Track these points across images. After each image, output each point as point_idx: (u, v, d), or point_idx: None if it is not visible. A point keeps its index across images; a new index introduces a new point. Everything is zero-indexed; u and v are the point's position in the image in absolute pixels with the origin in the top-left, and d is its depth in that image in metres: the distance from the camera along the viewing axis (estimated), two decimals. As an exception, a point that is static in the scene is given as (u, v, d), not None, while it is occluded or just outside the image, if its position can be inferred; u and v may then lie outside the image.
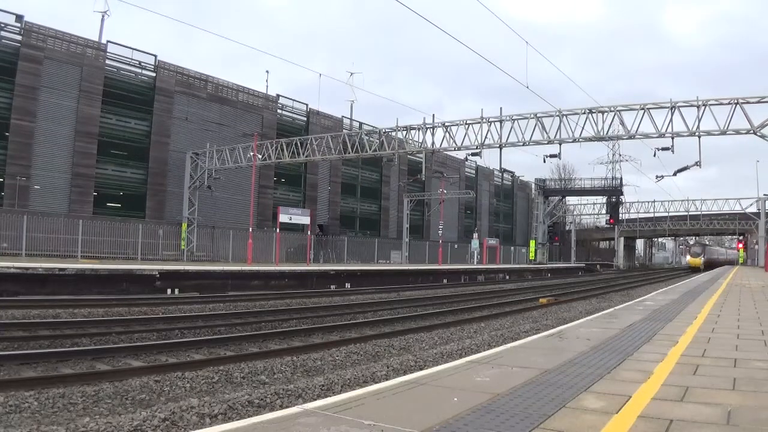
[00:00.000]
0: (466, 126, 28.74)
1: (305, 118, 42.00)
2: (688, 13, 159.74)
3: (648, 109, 24.58)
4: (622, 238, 75.23)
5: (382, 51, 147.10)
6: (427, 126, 30.15)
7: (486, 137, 28.02)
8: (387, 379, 5.76)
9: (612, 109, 25.35)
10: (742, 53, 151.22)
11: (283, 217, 29.42)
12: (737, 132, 23.22)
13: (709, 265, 65.30)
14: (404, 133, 31.71)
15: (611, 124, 25.36)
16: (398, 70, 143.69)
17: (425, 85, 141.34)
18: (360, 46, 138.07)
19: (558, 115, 26.27)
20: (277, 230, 30.51)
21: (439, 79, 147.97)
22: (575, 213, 70.25)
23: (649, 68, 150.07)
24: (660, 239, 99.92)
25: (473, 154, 31.67)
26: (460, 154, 41.01)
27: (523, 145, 27.52)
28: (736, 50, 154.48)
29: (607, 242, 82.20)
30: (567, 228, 68.04)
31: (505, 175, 66.65)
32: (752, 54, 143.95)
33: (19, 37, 27.51)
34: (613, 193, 59.65)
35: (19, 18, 27.59)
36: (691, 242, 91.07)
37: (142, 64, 32.65)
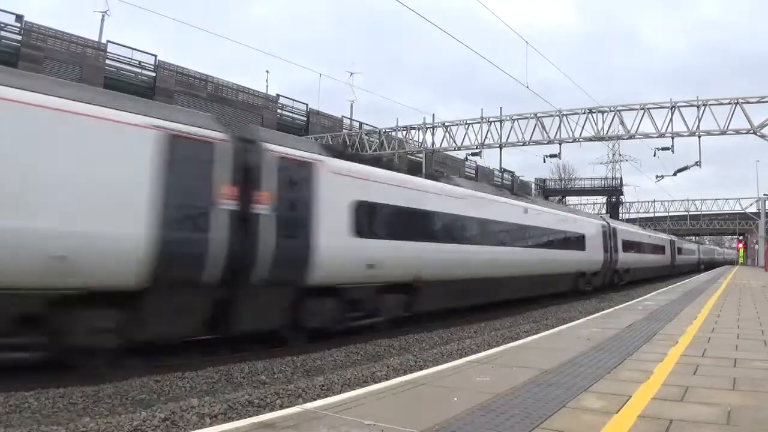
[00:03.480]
0: (466, 126, 28.77)
1: (305, 118, 41.95)
2: (664, 21, 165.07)
3: (648, 109, 24.59)
4: (622, 238, 75.05)
5: (371, 57, 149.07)
6: (427, 126, 30.19)
7: (486, 137, 28.05)
8: (387, 379, 5.76)
9: (612, 109, 25.36)
10: (716, 58, 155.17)
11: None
12: (737, 132, 23.23)
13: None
14: (404, 132, 31.75)
15: (611, 124, 25.40)
16: (388, 74, 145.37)
17: (417, 90, 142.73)
18: (349, 53, 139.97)
19: (558, 115, 26.28)
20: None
21: (429, 84, 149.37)
22: (575, 213, 70.21)
23: (629, 73, 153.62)
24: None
25: (473, 154, 31.72)
26: (460, 154, 41.05)
27: (523, 145, 27.53)
28: (712, 55, 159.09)
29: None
30: (567, 228, 67.96)
31: (505, 175, 66.66)
32: (727, 58, 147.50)
33: (19, 37, 27.50)
34: (613, 193, 59.63)
35: (19, 18, 27.60)
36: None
37: (142, 64, 32.64)
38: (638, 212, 67.19)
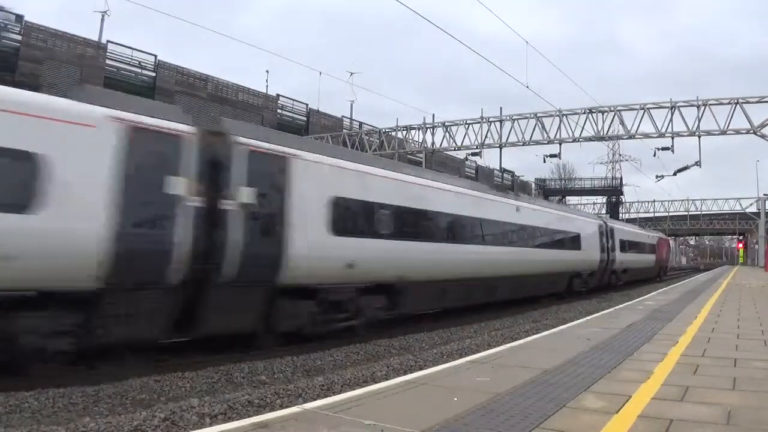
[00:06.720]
0: (466, 126, 28.77)
1: (305, 118, 41.93)
2: (644, 26, 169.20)
3: (648, 109, 24.59)
4: (622, 238, 74.91)
5: (363, 61, 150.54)
6: (427, 126, 30.18)
7: (486, 137, 28.05)
8: (387, 379, 5.76)
9: (612, 109, 25.36)
10: (696, 63, 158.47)
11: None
12: (737, 132, 23.24)
13: None
14: (404, 132, 31.73)
15: (611, 124, 25.41)
16: (382, 78, 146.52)
17: (409, 94, 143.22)
18: (341, 56, 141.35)
19: (558, 115, 26.28)
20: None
21: (421, 88, 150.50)
22: (575, 213, 70.12)
23: (611, 80, 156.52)
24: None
25: (473, 154, 31.73)
26: (460, 154, 41.05)
27: (523, 145, 27.54)
28: (693, 60, 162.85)
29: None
30: (567, 228, 67.91)
31: (505, 175, 66.60)
32: (706, 63, 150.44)
33: (19, 37, 27.49)
34: (613, 193, 59.63)
35: (19, 18, 27.59)
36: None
37: (142, 63, 32.63)
38: (638, 212, 67.24)
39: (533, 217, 17.11)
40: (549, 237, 18.36)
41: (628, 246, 27.74)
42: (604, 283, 24.43)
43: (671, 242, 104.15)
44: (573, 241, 20.44)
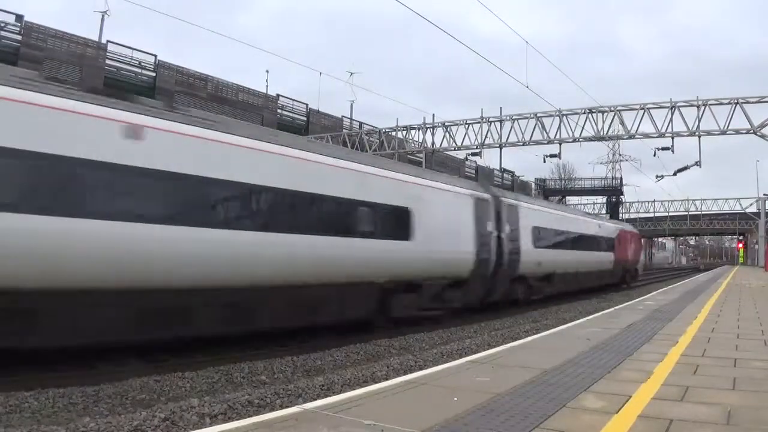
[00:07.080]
0: (466, 126, 28.77)
1: (305, 118, 41.92)
2: (644, 26, 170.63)
3: (648, 108, 24.59)
4: (622, 238, 74.83)
5: (362, 62, 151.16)
6: (427, 126, 30.18)
7: (486, 137, 28.05)
8: (387, 379, 5.75)
9: (612, 108, 25.36)
10: (696, 63, 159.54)
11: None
12: (737, 132, 23.24)
13: None
14: (404, 132, 31.73)
15: (611, 124, 25.41)
16: (380, 79, 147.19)
17: (408, 94, 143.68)
18: (336, 60, 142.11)
19: (558, 115, 26.28)
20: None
21: (421, 89, 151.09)
22: (575, 213, 70.02)
23: (609, 80, 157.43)
24: (660, 239, 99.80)
25: (473, 154, 31.73)
26: (461, 154, 41.07)
27: (523, 145, 27.54)
28: (693, 60, 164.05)
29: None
30: (567, 228, 67.77)
31: (505, 175, 66.52)
32: (706, 63, 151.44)
33: (19, 37, 27.49)
34: (613, 192, 59.63)
35: (19, 18, 27.59)
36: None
37: (142, 64, 32.62)
38: (638, 212, 67.24)
39: (257, 167, 8.62)
40: (308, 211, 9.62)
41: (555, 238, 18.85)
42: (498, 297, 15.24)
43: (669, 241, 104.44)
44: (387, 221, 11.28)
